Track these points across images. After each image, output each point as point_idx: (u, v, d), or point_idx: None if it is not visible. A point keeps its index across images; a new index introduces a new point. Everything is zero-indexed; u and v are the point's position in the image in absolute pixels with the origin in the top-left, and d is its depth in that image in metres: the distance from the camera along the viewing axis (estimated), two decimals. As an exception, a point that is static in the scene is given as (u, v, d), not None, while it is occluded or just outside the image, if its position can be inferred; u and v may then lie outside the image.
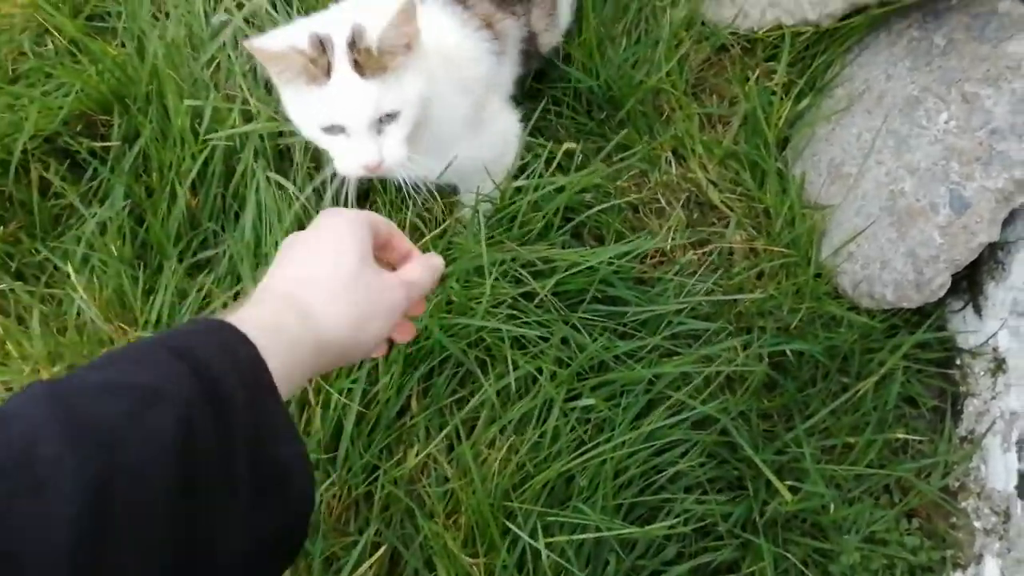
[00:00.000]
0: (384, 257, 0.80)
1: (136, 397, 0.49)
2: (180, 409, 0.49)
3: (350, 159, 1.13)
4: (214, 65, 1.56)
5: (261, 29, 1.58)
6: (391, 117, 1.12)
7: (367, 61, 1.07)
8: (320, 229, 0.73)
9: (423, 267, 0.80)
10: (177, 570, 0.48)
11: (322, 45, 1.07)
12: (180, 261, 1.42)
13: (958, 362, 1.50)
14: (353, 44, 1.07)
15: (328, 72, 1.07)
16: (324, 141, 1.15)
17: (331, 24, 1.09)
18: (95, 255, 1.42)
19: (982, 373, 1.45)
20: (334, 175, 1.28)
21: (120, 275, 1.40)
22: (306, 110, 1.13)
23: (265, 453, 0.56)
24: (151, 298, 1.40)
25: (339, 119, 1.10)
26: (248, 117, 1.48)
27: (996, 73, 1.42)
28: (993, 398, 1.41)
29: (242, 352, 0.58)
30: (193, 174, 1.43)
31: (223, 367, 0.54)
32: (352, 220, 0.73)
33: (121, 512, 0.44)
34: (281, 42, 1.08)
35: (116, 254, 1.40)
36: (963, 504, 1.40)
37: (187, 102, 1.44)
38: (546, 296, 1.39)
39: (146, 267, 1.43)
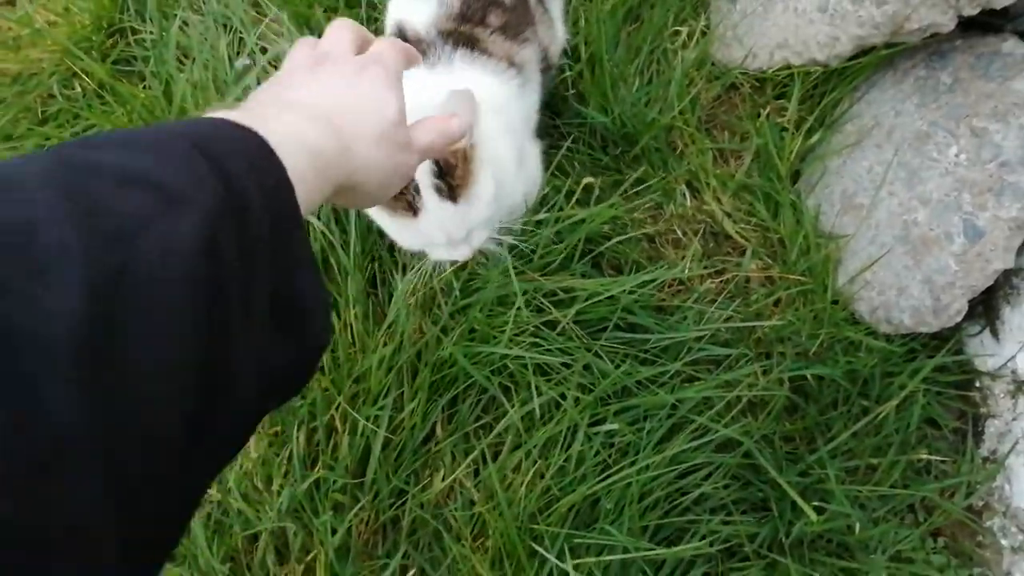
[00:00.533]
0: None
1: (158, 196, 0.41)
2: (206, 218, 0.42)
3: (444, 257, 1.18)
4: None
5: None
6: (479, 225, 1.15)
7: (453, 185, 1.07)
8: (362, 65, 0.67)
9: (438, 134, 0.74)
10: (198, 397, 0.41)
11: (405, 195, 1.06)
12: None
13: (978, 384, 1.51)
14: (439, 174, 1.06)
15: (417, 211, 1.07)
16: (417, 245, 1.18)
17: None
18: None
19: (1002, 395, 1.45)
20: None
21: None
22: (401, 232, 1.15)
23: (285, 282, 0.50)
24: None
25: (428, 242, 1.13)
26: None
27: (1004, 109, 1.45)
28: (1014, 419, 1.41)
29: (271, 170, 0.51)
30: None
31: (250, 183, 0.47)
32: (394, 61, 0.69)
33: (136, 317, 0.37)
34: None
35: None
36: (988, 523, 1.39)
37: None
38: (568, 324, 1.40)
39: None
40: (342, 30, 0.72)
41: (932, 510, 1.38)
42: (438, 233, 1.10)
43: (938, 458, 1.41)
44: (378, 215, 1.16)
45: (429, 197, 1.07)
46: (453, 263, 1.31)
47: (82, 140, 0.46)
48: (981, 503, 1.41)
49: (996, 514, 1.39)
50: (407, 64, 0.74)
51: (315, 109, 0.60)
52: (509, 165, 1.27)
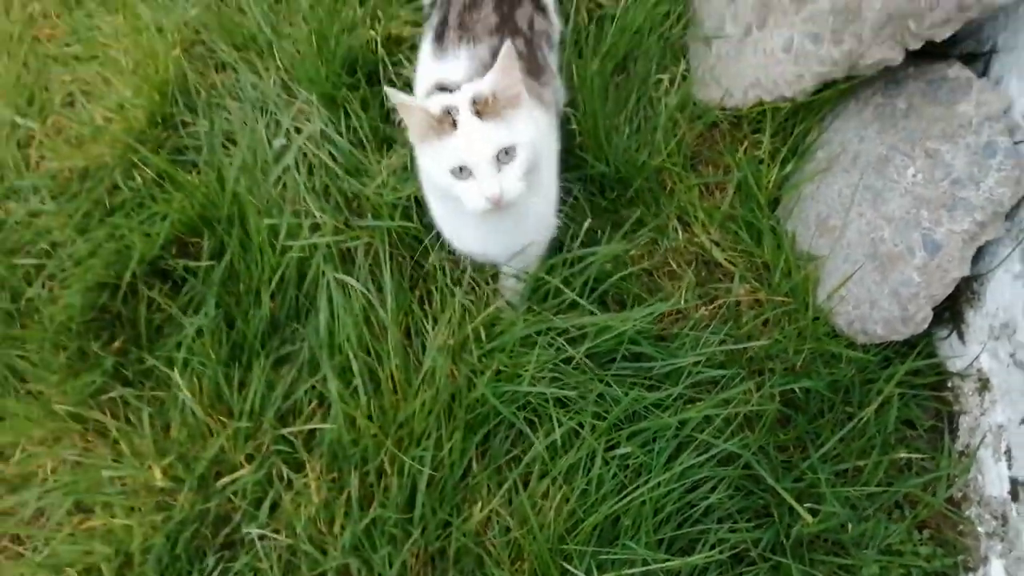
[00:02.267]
0: None
1: None
2: None
3: (475, 195, 1.22)
4: (281, 184, 1.67)
5: (319, 148, 1.69)
6: (509, 156, 1.23)
7: (486, 109, 1.20)
8: None
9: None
10: None
11: (448, 111, 1.21)
12: (267, 357, 1.52)
13: (949, 384, 1.55)
14: (474, 101, 1.21)
15: (455, 125, 1.20)
16: (454, 187, 1.24)
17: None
18: (194, 358, 1.53)
19: (970, 393, 1.49)
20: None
21: (216, 374, 1.51)
22: (438, 158, 1.23)
23: None
24: (244, 391, 1.50)
25: (466, 157, 1.20)
26: (315, 227, 1.59)
27: (951, 131, 1.48)
28: (982, 414, 1.46)
29: None
30: (274, 283, 1.53)
31: None
32: None
33: None
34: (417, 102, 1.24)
35: (213, 356, 1.51)
36: (967, 512, 1.45)
37: (266, 221, 1.55)
38: (581, 359, 1.47)
39: (238, 364, 1.53)
40: None
41: (916, 504, 1.44)
42: (471, 147, 1.20)
43: (917, 456, 1.47)
44: (421, 147, 1.27)
45: (465, 116, 1.21)
46: (486, 210, 1.29)
47: None
48: (960, 495, 1.46)
49: (973, 503, 1.44)
50: None
51: None
52: (551, 158, 1.40)
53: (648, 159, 1.70)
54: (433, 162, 1.25)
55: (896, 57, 1.51)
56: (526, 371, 1.44)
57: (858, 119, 1.67)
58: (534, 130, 1.27)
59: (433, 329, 1.52)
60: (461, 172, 1.22)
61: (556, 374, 1.47)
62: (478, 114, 1.21)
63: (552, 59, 1.64)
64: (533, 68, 1.50)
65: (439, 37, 1.50)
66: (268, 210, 1.62)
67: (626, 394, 1.45)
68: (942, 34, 1.45)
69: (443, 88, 1.36)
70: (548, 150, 1.45)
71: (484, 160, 1.20)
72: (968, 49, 1.60)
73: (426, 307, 1.58)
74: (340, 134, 1.71)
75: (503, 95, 1.21)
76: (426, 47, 1.54)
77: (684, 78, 1.83)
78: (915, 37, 1.47)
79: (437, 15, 1.54)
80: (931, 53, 1.58)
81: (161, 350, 1.57)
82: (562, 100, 1.66)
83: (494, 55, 1.37)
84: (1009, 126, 1.45)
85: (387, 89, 1.22)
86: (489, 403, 1.44)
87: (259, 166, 1.71)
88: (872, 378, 1.51)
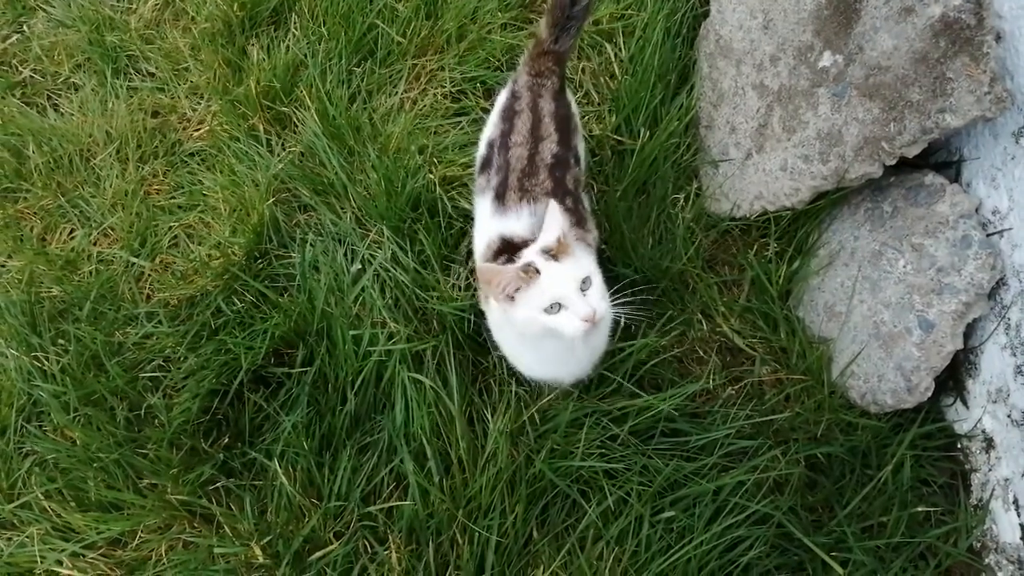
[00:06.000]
0: None
1: None
2: None
3: (572, 320, 1.37)
4: (360, 301, 1.91)
5: (388, 271, 1.94)
6: (586, 284, 1.41)
7: (557, 252, 1.40)
8: None
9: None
10: None
11: (528, 265, 1.39)
12: (352, 446, 1.71)
13: (959, 445, 1.67)
14: (546, 251, 1.41)
15: (538, 272, 1.38)
16: (551, 322, 1.39)
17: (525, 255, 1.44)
18: (290, 449, 1.71)
19: (978, 451, 1.61)
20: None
21: (309, 462, 1.69)
22: (532, 303, 1.39)
23: None
24: (333, 476, 1.68)
25: (557, 292, 1.38)
26: (390, 336, 1.81)
27: (933, 227, 1.68)
28: (990, 470, 1.57)
29: None
30: (357, 383, 1.74)
31: None
32: None
33: None
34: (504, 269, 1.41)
35: (305, 447, 1.69)
36: (987, 560, 1.53)
37: (350, 333, 1.78)
38: (625, 436, 1.63)
39: (327, 453, 1.71)
40: None
41: (939, 555, 1.53)
42: (558, 283, 1.37)
43: (936, 510, 1.57)
44: (517, 302, 1.41)
45: (544, 264, 1.39)
46: (583, 331, 1.44)
47: None
48: (978, 544, 1.55)
49: (991, 551, 1.53)
50: None
51: None
52: (596, 277, 1.52)
53: (671, 263, 1.92)
54: (528, 308, 1.40)
55: (876, 171, 1.73)
56: (577, 448, 1.61)
57: (852, 221, 1.88)
58: (593, 257, 1.48)
59: (493, 416, 1.70)
60: (553, 308, 1.38)
61: (603, 450, 1.63)
62: (553, 258, 1.39)
63: (586, 203, 1.86)
64: (579, 220, 1.69)
65: (499, 197, 1.65)
66: (351, 323, 1.84)
67: (667, 465, 1.60)
68: (912, 152, 1.67)
69: (506, 239, 1.58)
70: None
71: (571, 291, 1.37)
72: (941, 158, 1.82)
73: (485, 397, 1.77)
74: (408, 257, 1.96)
75: (564, 240, 1.41)
76: (486, 205, 1.68)
77: (697, 195, 2.07)
78: (889, 155, 1.69)
79: (496, 178, 1.69)
80: (909, 163, 1.80)
81: (261, 444, 1.76)
82: (598, 239, 1.86)
83: None
84: (981, 221, 1.64)
85: (480, 265, 1.42)
86: (546, 477, 1.59)
87: (341, 287, 1.95)
88: (887, 443, 1.64)
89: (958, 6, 1.58)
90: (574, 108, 1.84)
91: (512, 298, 1.40)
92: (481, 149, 1.82)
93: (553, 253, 1.40)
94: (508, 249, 1.55)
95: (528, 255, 1.42)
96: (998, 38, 1.56)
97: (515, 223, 1.60)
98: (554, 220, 1.42)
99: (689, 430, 1.66)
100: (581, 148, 1.82)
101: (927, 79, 1.61)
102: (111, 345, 1.94)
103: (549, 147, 1.68)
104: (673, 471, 1.58)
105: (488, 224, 1.66)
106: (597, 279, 1.42)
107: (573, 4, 1.71)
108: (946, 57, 1.59)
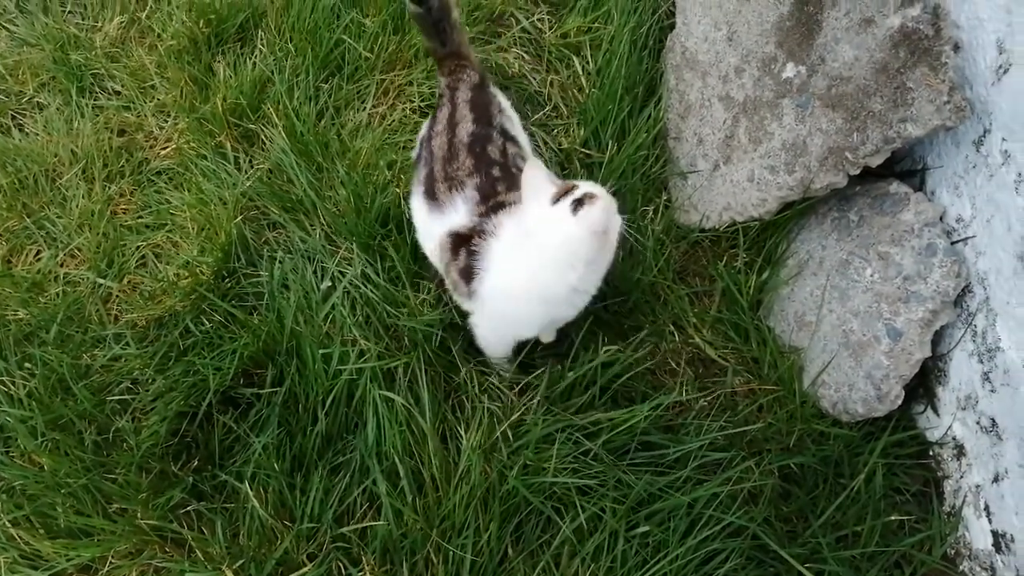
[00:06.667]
0: None
1: None
2: None
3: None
4: (330, 319, 1.88)
5: (358, 288, 1.91)
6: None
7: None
8: None
9: None
10: None
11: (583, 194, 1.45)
12: (324, 466, 1.67)
13: (931, 453, 1.67)
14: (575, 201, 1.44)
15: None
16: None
17: None
18: (260, 471, 1.68)
19: (949, 459, 1.62)
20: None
21: (280, 483, 1.65)
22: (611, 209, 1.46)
23: None
24: (305, 497, 1.64)
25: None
26: (361, 353, 1.78)
27: (898, 236, 1.69)
28: (961, 477, 1.57)
29: None
30: (328, 403, 1.71)
31: None
32: None
33: None
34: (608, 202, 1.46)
35: (276, 468, 1.66)
36: (961, 567, 1.53)
37: (320, 351, 1.75)
38: (599, 450, 1.61)
39: (299, 474, 1.68)
40: None
41: (914, 562, 1.52)
42: (597, 188, 1.46)
43: (909, 518, 1.57)
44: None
45: (583, 186, 1.47)
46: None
47: None
48: (952, 551, 1.55)
49: (964, 558, 1.53)
50: None
51: None
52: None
53: (642, 275, 1.91)
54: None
55: (841, 181, 1.74)
56: (550, 464, 1.59)
57: (819, 230, 1.89)
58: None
59: (466, 433, 1.68)
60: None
61: (577, 465, 1.61)
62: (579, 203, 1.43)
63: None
64: (512, 185, 1.66)
65: (429, 192, 1.67)
66: (320, 341, 1.81)
67: (640, 479, 1.58)
68: (875, 161, 1.68)
69: (455, 233, 1.59)
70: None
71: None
72: (905, 167, 1.83)
73: (458, 414, 1.75)
74: (378, 274, 1.93)
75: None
76: (419, 203, 1.71)
77: (666, 207, 2.07)
78: (853, 165, 1.70)
79: (424, 170, 1.71)
80: (874, 173, 1.82)
81: (231, 466, 1.72)
82: None
83: (479, 191, 1.62)
84: (945, 229, 1.65)
85: (593, 220, 1.41)
86: (520, 494, 1.57)
87: (310, 305, 1.93)
88: (859, 451, 1.63)
89: (916, 17, 1.59)
90: (501, 97, 1.87)
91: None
92: (416, 151, 1.87)
93: (565, 189, 1.45)
94: (462, 242, 1.58)
95: (578, 192, 1.44)
96: (956, 48, 1.58)
97: (455, 216, 1.62)
98: (537, 176, 1.48)
99: (663, 443, 1.64)
100: (519, 133, 1.85)
101: (888, 89, 1.62)
102: (78, 368, 1.90)
103: (466, 127, 1.72)
104: (647, 485, 1.57)
105: (430, 226, 1.68)
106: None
107: (429, 12, 1.76)
108: (906, 67, 1.60)
